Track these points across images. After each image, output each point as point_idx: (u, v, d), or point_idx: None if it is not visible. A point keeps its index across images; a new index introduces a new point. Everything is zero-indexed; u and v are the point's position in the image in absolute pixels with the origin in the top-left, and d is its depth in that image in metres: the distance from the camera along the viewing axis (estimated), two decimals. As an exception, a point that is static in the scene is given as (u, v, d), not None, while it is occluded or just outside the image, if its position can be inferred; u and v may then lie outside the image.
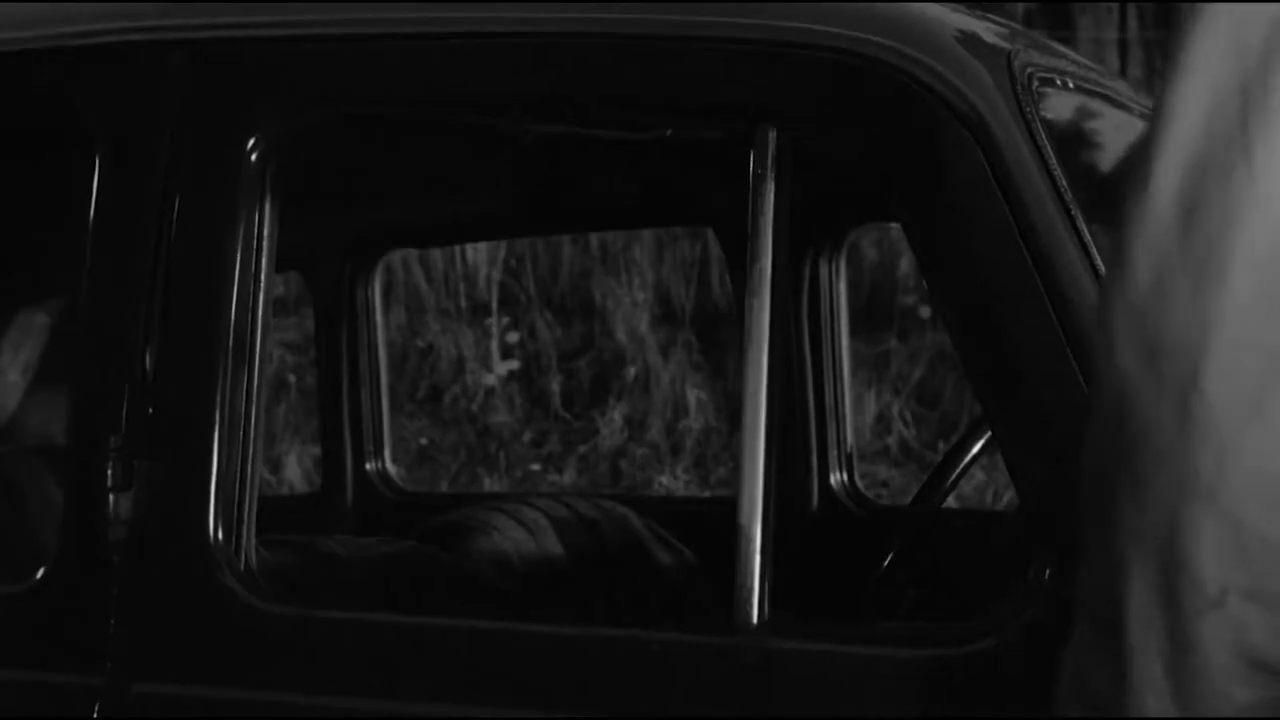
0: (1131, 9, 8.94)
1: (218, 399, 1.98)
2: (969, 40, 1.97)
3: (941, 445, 7.40)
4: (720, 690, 1.85)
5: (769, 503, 1.86)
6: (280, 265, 2.12)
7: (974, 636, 1.82)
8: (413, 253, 7.88)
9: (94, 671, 1.98)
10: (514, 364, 8.22)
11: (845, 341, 3.13)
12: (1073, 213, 1.86)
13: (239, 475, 1.99)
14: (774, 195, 1.89)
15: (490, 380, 8.15)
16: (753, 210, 1.89)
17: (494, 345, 8.29)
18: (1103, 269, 1.85)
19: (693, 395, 7.58)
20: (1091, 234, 1.86)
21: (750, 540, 1.85)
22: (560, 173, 2.61)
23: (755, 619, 1.85)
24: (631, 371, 7.66)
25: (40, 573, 2.02)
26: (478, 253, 8.43)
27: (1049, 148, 1.88)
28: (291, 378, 7.91)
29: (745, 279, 1.91)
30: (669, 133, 2.14)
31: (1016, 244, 1.84)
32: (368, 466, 3.33)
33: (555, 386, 7.66)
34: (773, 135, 1.89)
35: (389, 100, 2.06)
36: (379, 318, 3.40)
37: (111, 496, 1.97)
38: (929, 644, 1.85)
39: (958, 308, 1.86)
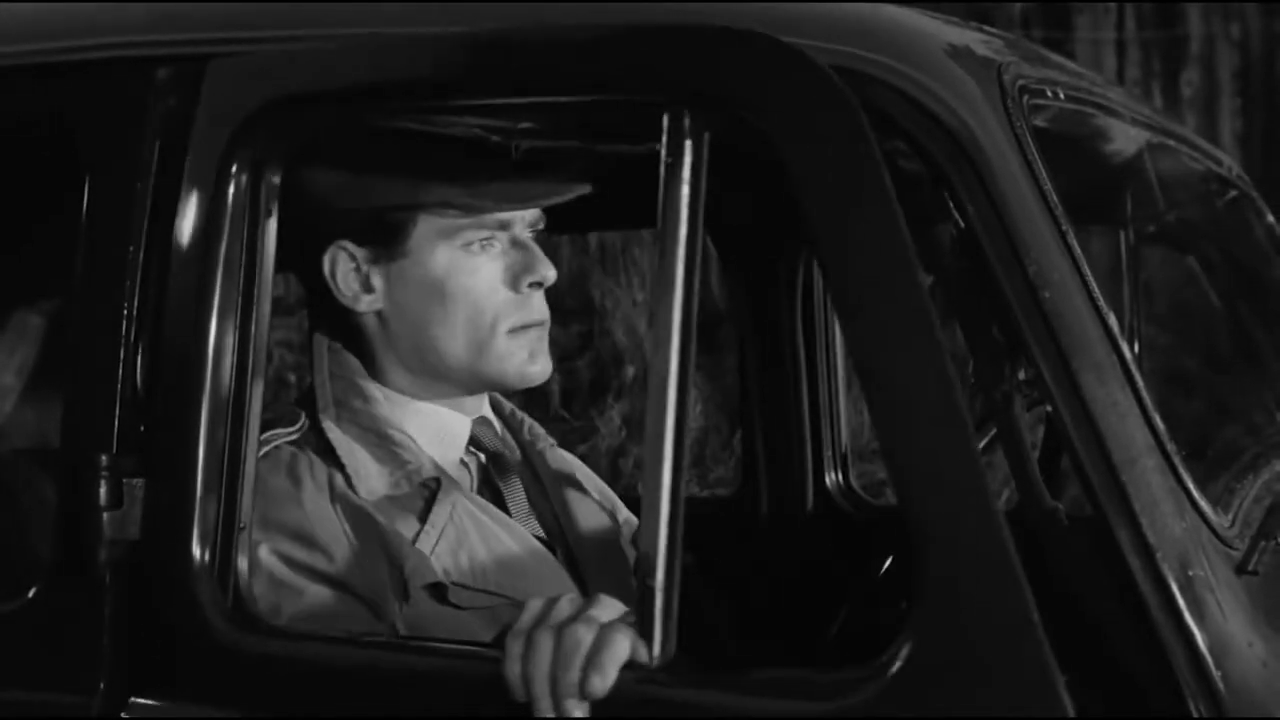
0: (1129, 9, 8.94)
1: (210, 417, 1.98)
2: (959, 53, 1.97)
3: (940, 444, 7.39)
4: None
5: (676, 526, 1.75)
6: (277, 267, 2.13)
7: (851, 688, 1.75)
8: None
9: (85, 691, 1.97)
10: (513, 363, 8.22)
11: (840, 342, 3.13)
12: (1063, 227, 1.86)
13: (231, 493, 1.99)
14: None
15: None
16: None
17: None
18: (1092, 280, 1.86)
19: (692, 395, 7.58)
20: (1081, 246, 1.87)
21: (653, 569, 1.75)
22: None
23: (655, 659, 1.75)
24: (630, 371, 7.66)
25: (31, 592, 2.02)
26: (477, 252, 8.43)
27: (1039, 161, 1.88)
28: (292, 378, 7.91)
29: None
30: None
31: (1006, 257, 1.85)
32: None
33: (554, 386, 7.66)
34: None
35: (381, 110, 2.06)
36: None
37: (104, 515, 1.97)
38: (808, 697, 1.77)
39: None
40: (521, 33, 1.95)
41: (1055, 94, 2.07)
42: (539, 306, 2.21)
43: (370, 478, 2.15)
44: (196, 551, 1.96)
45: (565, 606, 1.79)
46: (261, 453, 2.11)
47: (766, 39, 1.81)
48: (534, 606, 1.81)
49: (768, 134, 1.79)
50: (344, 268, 2.19)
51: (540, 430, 2.41)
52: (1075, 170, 2.07)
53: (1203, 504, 1.85)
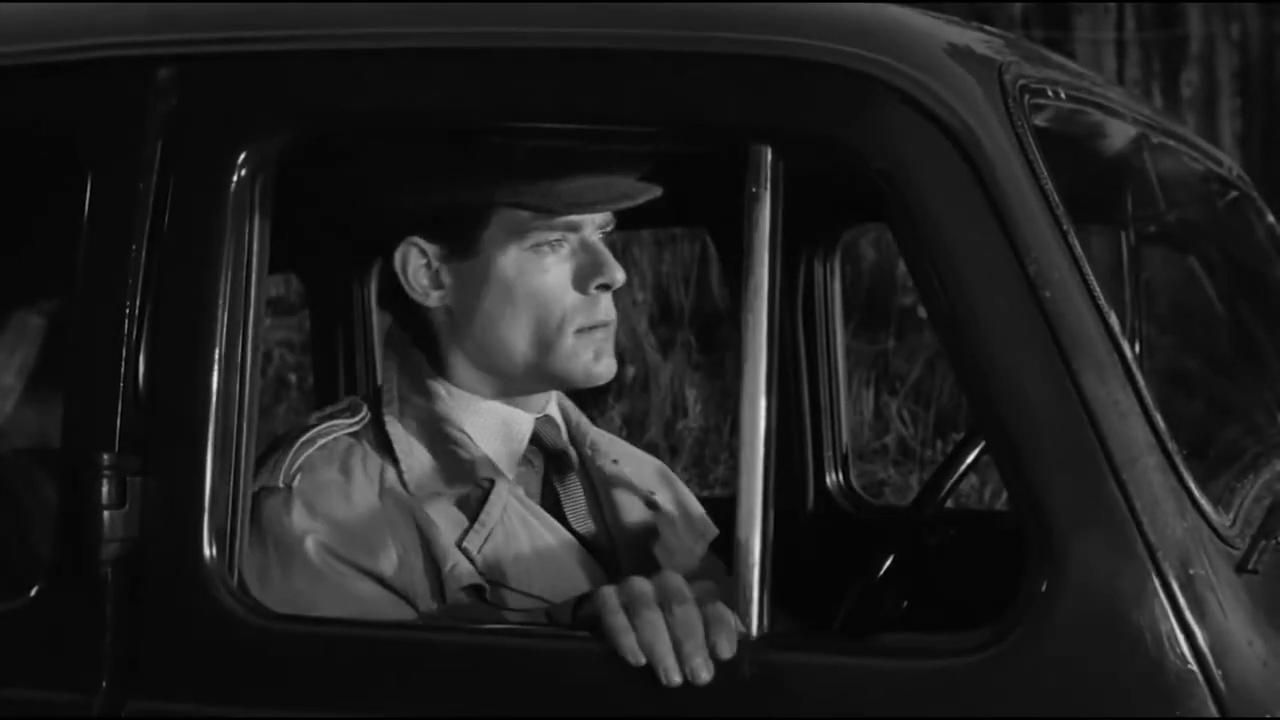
0: (1129, 9, 8.95)
1: (210, 415, 1.99)
2: (959, 53, 1.98)
3: (940, 444, 7.41)
4: (718, 703, 1.85)
5: (768, 516, 1.87)
6: (276, 268, 2.13)
7: (971, 648, 1.83)
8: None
9: (88, 689, 1.98)
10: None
11: (840, 341, 3.13)
12: (1064, 226, 1.87)
13: (232, 491, 2.00)
14: (768, 211, 1.89)
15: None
16: (747, 226, 1.90)
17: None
18: (1092, 279, 1.87)
19: (692, 395, 7.59)
20: (1082, 245, 1.87)
21: (749, 553, 1.86)
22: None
23: (754, 631, 1.86)
24: (631, 371, 7.67)
25: (34, 590, 2.02)
26: (477, 252, 8.43)
27: (1040, 160, 1.88)
28: (292, 377, 7.92)
29: (740, 284, 1.92)
30: (662, 147, 2.15)
31: (1007, 256, 1.85)
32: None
33: (554, 386, 7.65)
34: (767, 152, 1.90)
35: (380, 113, 2.06)
36: (375, 319, 3.41)
37: (105, 514, 1.97)
38: (926, 656, 1.86)
39: (949, 320, 1.87)
40: (570, 56, 1.99)
41: (1056, 94, 2.08)
42: (606, 308, 2.23)
43: (424, 473, 2.18)
44: (198, 550, 1.97)
45: (648, 585, 1.89)
46: (319, 444, 2.15)
47: (844, 70, 1.88)
48: (611, 589, 1.90)
49: (852, 165, 1.88)
50: (415, 264, 2.22)
51: (604, 444, 2.41)
52: (1076, 170, 2.08)
53: (1204, 503, 1.85)
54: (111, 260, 2.02)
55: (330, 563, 2.09)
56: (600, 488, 2.36)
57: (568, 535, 2.25)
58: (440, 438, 2.21)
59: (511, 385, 2.25)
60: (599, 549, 2.29)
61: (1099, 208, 2.40)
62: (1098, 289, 1.86)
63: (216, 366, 2.00)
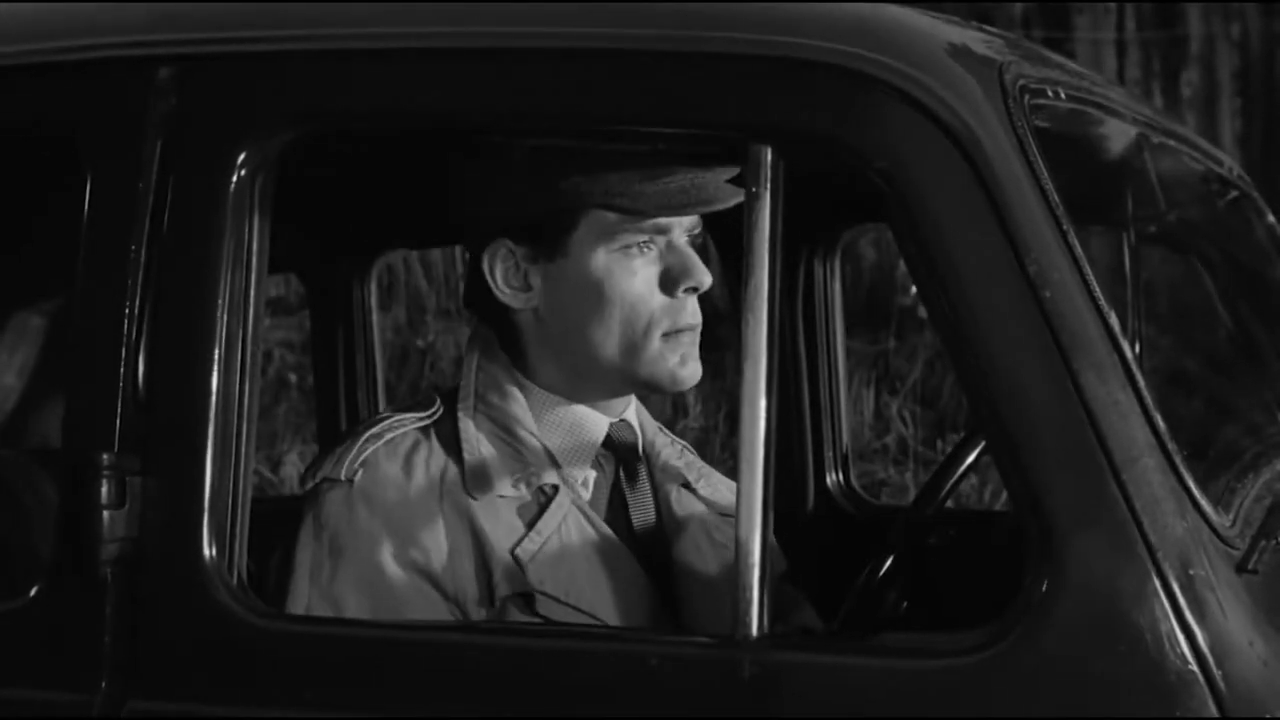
0: (1129, 9, 8.94)
1: (210, 415, 1.99)
2: (960, 53, 1.98)
3: (940, 444, 7.41)
4: (719, 704, 1.85)
5: (768, 516, 1.87)
6: (276, 268, 2.13)
7: (971, 648, 1.83)
8: (412, 253, 7.88)
9: (88, 689, 1.98)
10: (514, 363, 8.21)
11: (840, 341, 3.13)
12: (1064, 226, 1.87)
13: (232, 491, 2.00)
14: (769, 211, 1.89)
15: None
16: (747, 226, 1.90)
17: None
18: (1092, 279, 1.87)
19: (692, 395, 7.59)
20: (1082, 245, 1.87)
21: (749, 553, 1.86)
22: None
23: (754, 632, 1.86)
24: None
25: (34, 590, 2.02)
26: (477, 252, 8.42)
27: (1040, 160, 1.88)
28: (292, 377, 7.92)
29: (741, 284, 1.92)
30: (661, 147, 2.15)
31: (1007, 256, 1.85)
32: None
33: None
34: (767, 152, 1.90)
35: (380, 113, 2.06)
36: (375, 318, 3.41)
37: (105, 513, 1.97)
38: (926, 656, 1.86)
39: (950, 320, 1.87)
40: (570, 55, 1.99)
41: (1056, 94, 2.08)
42: (693, 311, 2.23)
43: (487, 475, 2.18)
44: (198, 550, 1.97)
45: None
46: (386, 438, 2.16)
47: (844, 70, 1.88)
48: None
49: (853, 165, 1.88)
50: (504, 265, 2.22)
51: (677, 467, 2.40)
52: (1076, 170, 2.08)
53: (1204, 503, 1.85)
54: (111, 260, 2.02)
55: (382, 565, 2.10)
56: (664, 504, 2.35)
57: (624, 550, 2.24)
58: (510, 439, 2.21)
59: (595, 388, 2.25)
60: (656, 565, 2.28)
61: (1099, 208, 2.40)
62: (1098, 289, 1.86)
63: (216, 366, 2.00)
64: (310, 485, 2.17)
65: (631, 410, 2.32)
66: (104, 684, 1.98)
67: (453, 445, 2.19)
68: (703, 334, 2.29)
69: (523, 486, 2.18)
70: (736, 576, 1.86)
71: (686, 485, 2.37)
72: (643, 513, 2.31)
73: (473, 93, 2.02)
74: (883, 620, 2.40)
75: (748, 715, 1.85)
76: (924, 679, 1.84)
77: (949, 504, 2.59)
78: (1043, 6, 8.93)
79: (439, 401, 2.25)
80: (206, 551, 1.97)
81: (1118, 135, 2.35)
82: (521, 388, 2.24)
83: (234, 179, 2.01)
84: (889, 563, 2.47)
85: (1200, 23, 9.00)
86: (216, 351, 2.00)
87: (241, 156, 2.01)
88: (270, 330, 7.72)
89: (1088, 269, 1.85)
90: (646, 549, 2.28)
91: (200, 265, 2.01)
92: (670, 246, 2.21)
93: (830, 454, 3.13)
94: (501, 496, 2.17)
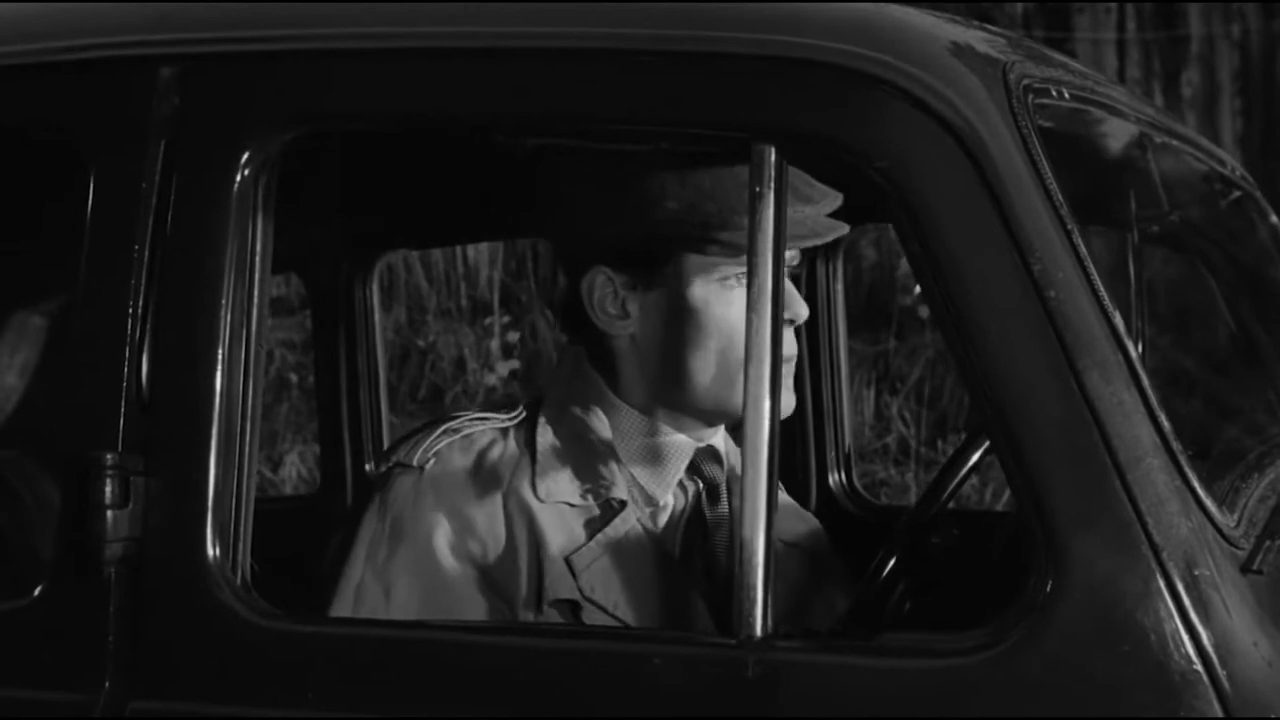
0: (1130, 10, 8.94)
1: (213, 415, 1.99)
2: (963, 52, 1.97)
3: (940, 444, 7.40)
4: (723, 704, 1.85)
5: (771, 516, 1.87)
6: (278, 267, 2.13)
7: (975, 648, 1.83)
8: (413, 253, 7.88)
9: (91, 689, 1.98)
10: (515, 363, 8.23)
11: (843, 341, 3.13)
12: (1069, 226, 1.87)
13: (235, 491, 1.99)
14: (772, 211, 1.89)
15: (491, 380, 8.16)
16: (751, 226, 1.90)
17: (495, 345, 8.29)
18: (1097, 279, 1.86)
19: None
20: (1086, 245, 1.87)
21: (753, 553, 1.86)
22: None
23: (758, 632, 1.86)
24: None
25: (37, 590, 2.02)
26: (478, 253, 8.44)
27: (1044, 160, 1.88)
28: (293, 377, 7.91)
29: (744, 284, 1.91)
30: (664, 146, 2.14)
31: (1011, 256, 1.85)
32: (367, 467, 3.34)
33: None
34: (770, 152, 1.90)
35: (382, 114, 2.06)
36: (377, 318, 3.41)
37: (108, 513, 1.97)
38: (930, 656, 1.86)
39: (953, 319, 1.86)
40: (574, 55, 1.98)
41: (1060, 93, 2.08)
42: (790, 342, 2.23)
43: (557, 481, 2.19)
44: (201, 549, 1.97)
45: None
46: (464, 432, 2.19)
47: (847, 70, 1.88)
48: None
49: (856, 164, 1.88)
50: (601, 291, 2.22)
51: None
52: (1080, 169, 2.08)
53: (1208, 503, 1.85)
54: (114, 260, 2.02)
55: (438, 553, 2.12)
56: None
57: (683, 572, 2.24)
58: (586, 450, 2.22)
59: (687, 416, 2.25)
60: (718, 591, 2.26)
61: (1102, 207, 2.40)
62: (1102, 288, 1.86)
63: (219, 366, 2.00)
64: (384, 469, 2.19)
65: (719, 436, 2.32)
66: (107, 684, 1.98)
67: (528, 448, 2.21)
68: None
69: (590, 498, 2.19)
70: (739, 576, 1.86)
71: None
72: (721, 537, 2.30)
73: (474, 93, 2.02)
74: (886, 620, 2.40)
75: (751, 715, 1.84)
76: (927, 679, 1.84)
77: (951, 504, 2.59)
78: (1043, 6, 8.92)
79: (522, 407, 2.27)
80: (210, 551, 1.97)
81: (1121, 135, 2.35)
82: (610, 406, 2.25)
83: (237, 179, 2.01)
84: (892, 563, 2.46)
85: (1200, 23, 8.99)
86: (219, 351, 2.00)
87: (244, 156, 2.01)
88: (271, 330, 7.72)
89: (1092, 268, 1.85)
90: (713, 573, 2.28)
91: (203, 265, 2.01)
92: None
93: (832, 454, 3.13)
94: (569, 505, 2.18)
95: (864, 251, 8.29)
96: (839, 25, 1.96)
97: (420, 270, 8.54)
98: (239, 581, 1.98)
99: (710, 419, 2.26)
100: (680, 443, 2.26)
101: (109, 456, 1.98)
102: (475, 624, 2.10)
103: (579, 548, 2.15)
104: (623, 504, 2.19)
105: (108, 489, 1.97)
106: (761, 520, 1.86)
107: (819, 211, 2.20)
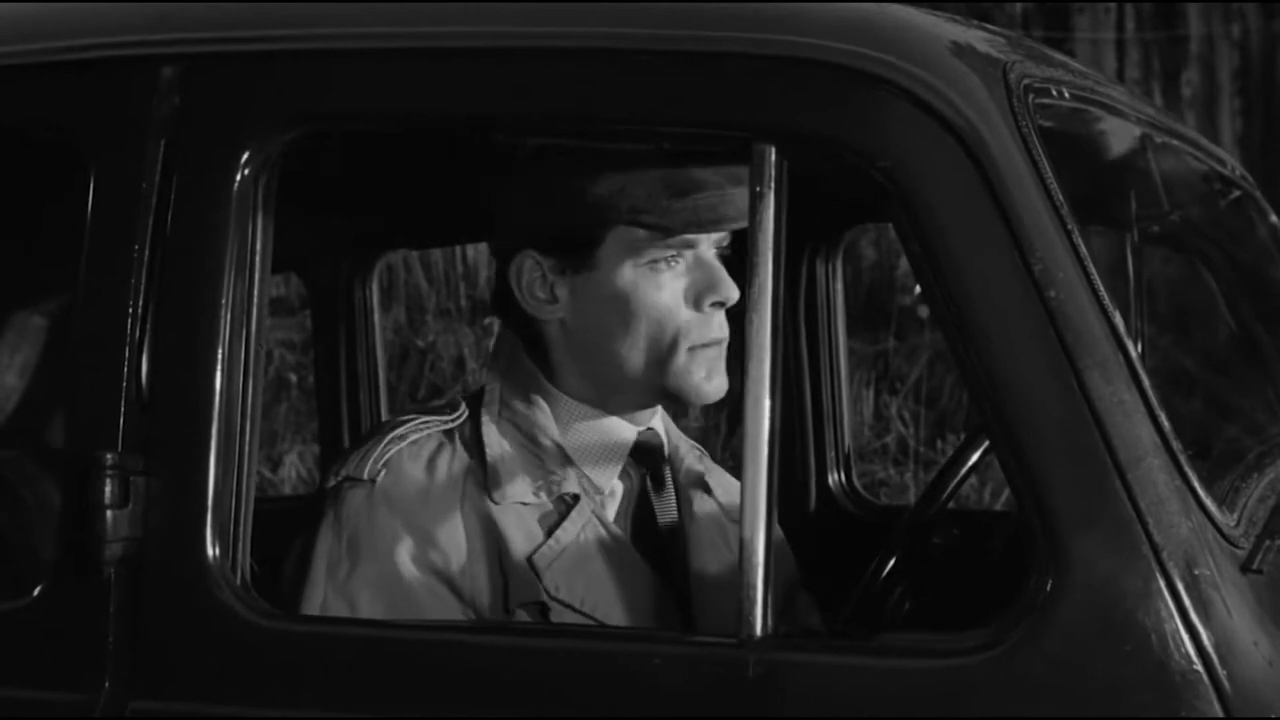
0: (1129, 9, 8.94)
1: (213, 414, 1.99)
2: (964, 52, 1.97)
3: (940, 444, 7.40)
4: (723, 704, 1.85)
5: (772, 516, 1.87)
6: (278, 267, 2.13)
7: (975, 648, 1.83)
8: (413, 253, 7.88)
9: (90, 689, 1.97)
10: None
11: (842, 341, 3.13)
12: (1069, 225, 1.87)
13: (235, 491, 1.99)
14: (773, 210, 1.89)
15: (491, 379, 8.13)
16: (752, 226, 1.90)
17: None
18: (1097, 279, 1.86)
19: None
20: (1086, 244, 1.87)
21: (754, 553, 1.86)
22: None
23: (759, 631, 1.86)
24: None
25: (37, 590, 2.02)
26: (478, 253, 8.43)
27: (1044, 160, 1.88)
28: (293, 377, 7.91)
29: (745, 284, 1.92)
30: (665, 146, 2.15)
31: (1012, 255, 1.85)
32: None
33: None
34: (771, 151, 1.90)
35: (383, 113, 2.06)
36: (376, 318, 3.41)
37: (108, 513, 1.97)
38: (930, 656, 1.86)
39: (954, 319, 1.86)
40: (586, 56, 1.99)
41: (1060, 93, 2.08)
42: (720, 325, 2.23)
43: (510, 481, 2.18)
44: (201, 549, 1.97)
45: None
46: (410, 439, 2.17)
47: (848, 70, 1.88)
48: None
49: (857, 164, 1.88)
50: (530, 276, 2.22)
51: (698, 471, 2.40)
52: (1080, 169, 2.08)
53: (1208, 503, 1.85)
54: (114, 260, 2.02)
55: (400, 565, 2.11)
56: (686, 509, 2.35)
57: (641, 560, 2.24)
58: (533, 447, 2.22)
59: (621, 399, 2.25)
60: (676, 569, 2.28)
61: (1103, 207, 2.40)
62: (1102, 288, 1.86)
63: (219, 366, 2.00)
64: (333, 483, 2.18)
65: (658, 418, 2.33)
66: (107, 684, 1.98)
67: (476, 449, 2.20)
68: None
69: (543, 494, 2.18)
70: (741, 576, 1.86)
71: (706, 489, 2.38)
72: (668, 519, 2.31)
73: (475, 92, 2.02)
74: (886, 620, 2.40)
75: (752, 715, 1.84)
76: (928, 679, 1.84)
77: (951, 504, 2.59)
78: (1042, 6, 8.93)
79: (464, 405, 2.26)
80: (210, 551, 1.97)
81: (1121, 135, 2.35)
82: (548, 395, 2.24)
83: (237, 178, 2.01)
84: (892, 563, 2.47)
85: (1200, 23, 8.99)
86: (220, 351, 2.00)
87: (244, 156, 2.01)
88: (271, 330, 7.72)
89: (1093, 268, 1.85)
90: (668, 556, 2.28)
91: (203, 265, 2.01)
92: (698, 260, 2.21)
93: (832, 454, 3.13)
94: (523, 504, 2.17)
95: (864, 251, 8.30)
96: (840, 25, 1.96)
97: (420, 270, 8.54)
98: (239, 581, 1.98)
99: (644, 402, 2.26)
100: (620, 428, 2.26)
101: (109, 456, 1.98)
102: (475, 624, 2.10)
103: (539, 547, 2.15)
104: (575, 498, 2.19)
105: (108, 489, 1.97)
106: (762, 520, 1.86)
107: (747, 193, 2.20)
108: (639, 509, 2.29)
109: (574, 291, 2.21)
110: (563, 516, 2.18)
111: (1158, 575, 1.79)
